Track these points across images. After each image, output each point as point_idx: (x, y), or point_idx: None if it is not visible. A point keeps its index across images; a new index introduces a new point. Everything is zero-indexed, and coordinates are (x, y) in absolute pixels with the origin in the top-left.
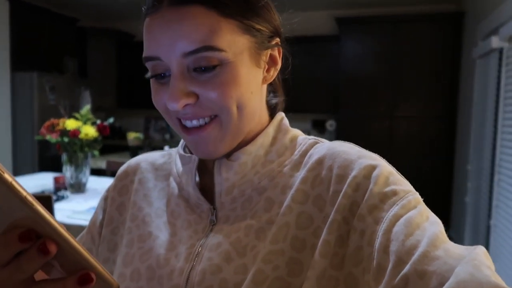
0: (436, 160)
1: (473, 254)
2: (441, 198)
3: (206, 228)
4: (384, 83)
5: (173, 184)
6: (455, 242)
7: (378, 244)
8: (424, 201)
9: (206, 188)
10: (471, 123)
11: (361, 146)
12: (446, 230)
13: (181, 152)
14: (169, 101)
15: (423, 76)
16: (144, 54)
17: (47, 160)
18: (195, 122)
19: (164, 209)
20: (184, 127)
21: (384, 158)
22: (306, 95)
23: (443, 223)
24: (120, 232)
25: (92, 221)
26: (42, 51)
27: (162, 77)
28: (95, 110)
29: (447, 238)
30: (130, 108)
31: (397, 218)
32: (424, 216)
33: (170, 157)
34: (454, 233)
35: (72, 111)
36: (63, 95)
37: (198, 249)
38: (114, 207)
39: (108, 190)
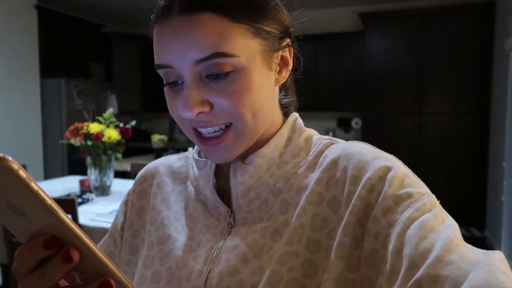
0: (468, 157)
1: (488, 259)
2: (475, 197)
3: (224, 231)
4: (411, 78)
5: (191, 187)
6: (491, 243)
7: (391, 247)
8: (457, 201)
9: (223, 191)
10: (506, 118)
11: (388, 144)
12: (481, 231)
13: (196, 156)
14: (183, 109)
15: (452, 70)
16: (155, 62)
17: (75, 163)
18: (210, 129)
19: (182, 212)
20: (200, 136)
21: (413, 156)
22: (330, 93)
23: (477, 223)
24: (141, 235)
25: (114, 225)
26: (69, 57)
27: (175, 84)
28: (121, 113)
29: (462, 242)
30: (155, 111)
31: (411, 221)
32: (440, 219)
33: (187, 160)
34: (490, 234)
35: (98, 115)
36: (90, 99)
37: (216, 252)
38: (134, 211)
39: (128, 194)
